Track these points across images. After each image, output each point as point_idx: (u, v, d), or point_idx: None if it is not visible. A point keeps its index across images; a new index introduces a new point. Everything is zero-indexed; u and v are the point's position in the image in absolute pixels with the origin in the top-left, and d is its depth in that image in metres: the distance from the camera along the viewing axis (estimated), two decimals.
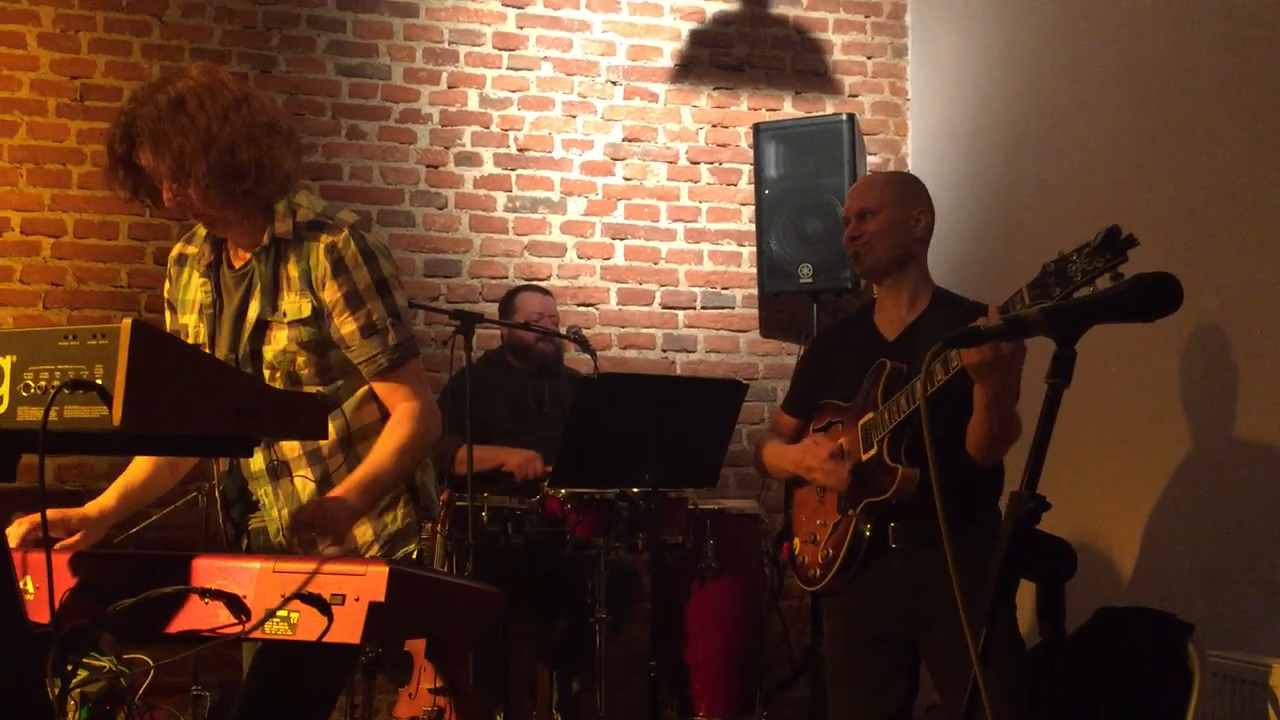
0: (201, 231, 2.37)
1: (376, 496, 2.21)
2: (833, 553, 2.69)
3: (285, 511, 2.26)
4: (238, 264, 2.31)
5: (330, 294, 2.22)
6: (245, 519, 2.36)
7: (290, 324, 2.24)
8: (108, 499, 2.29)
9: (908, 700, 2.73)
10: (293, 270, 2.24)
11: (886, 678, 2.69)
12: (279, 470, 2.27)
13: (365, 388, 2.28)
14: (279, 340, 2.24)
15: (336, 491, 2.15)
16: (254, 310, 2.26)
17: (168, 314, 2.43)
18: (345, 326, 2.23)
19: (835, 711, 2.80)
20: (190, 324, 2.35)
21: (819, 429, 2.81)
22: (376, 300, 2.24)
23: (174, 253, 2.43)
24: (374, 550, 2.28)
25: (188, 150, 2.11)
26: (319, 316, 2.23)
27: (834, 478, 2.68)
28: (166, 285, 2.43)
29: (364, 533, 2.27)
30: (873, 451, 2.61)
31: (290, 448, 2.26)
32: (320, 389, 2.24)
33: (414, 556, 2.36)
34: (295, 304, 2.24)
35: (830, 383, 2.81)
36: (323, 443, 2.23)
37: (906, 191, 2.81)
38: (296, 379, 2.26)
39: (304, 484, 2.26)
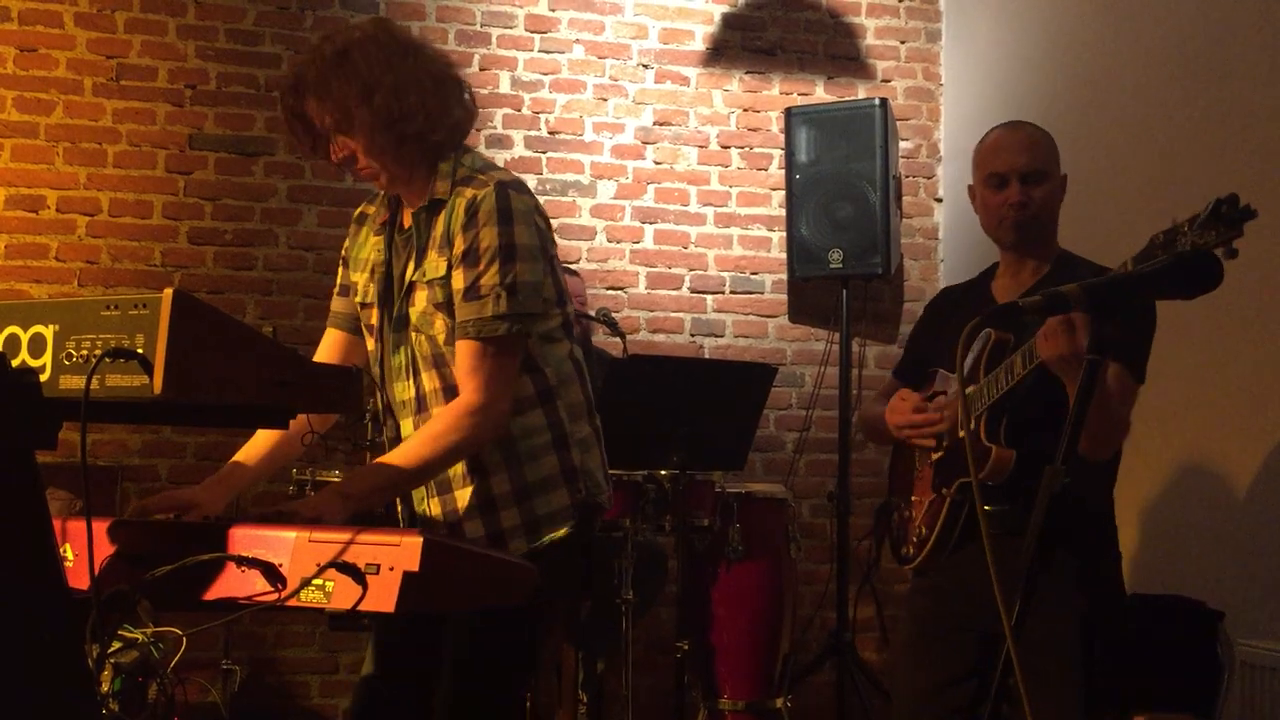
0: (381, 198, 2.33)
1: (388, 493, 2.13)
2: (926, 531, 2.52)
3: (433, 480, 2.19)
4: (407, 224, 2.26)
5: (457, 247, 2.12)
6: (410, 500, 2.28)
7: (428, 283, 2.16)
8: (220, 479, 2.24)
9: (975, 698, 2.49)
10: (439, 228, 2.16)
11: (958, 672, 2.49)
12: None
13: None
14: (420, 301, 2.18)
15: (337, 484, 2.09)
16: (409, 271, 2.20)
17: (340, 269, 2.39)
18: (457, 282, 2.12)
19: (899, 699, 2.67)
20: (360, 282, 2.31)
21: (928, 397, 2.62)
22: (494, 264, 2.09)
23: (356, 212, 2.40)
24: (519, 537, 2.17)
25: (351, 97, 2.08)
26: (451, 273, 2.14)
27: (924, 431, 2.50)
28: (346, 242, 2.39)
29: (510, 516, 2.17)
30: (970, 428, 2.39)
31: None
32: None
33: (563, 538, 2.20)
34: (435, 262, 2.16)
35: (941, 350, 2.60)
36: None
37: (1058, 152, 2.55)
38: (435, 343, 2.18)
39: None
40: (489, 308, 2.10)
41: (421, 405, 2.22)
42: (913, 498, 2.61)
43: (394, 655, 2.28)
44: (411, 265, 2.21)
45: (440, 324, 2.16)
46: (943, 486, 2.49)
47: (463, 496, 2.18)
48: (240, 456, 2.29)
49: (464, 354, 2.12)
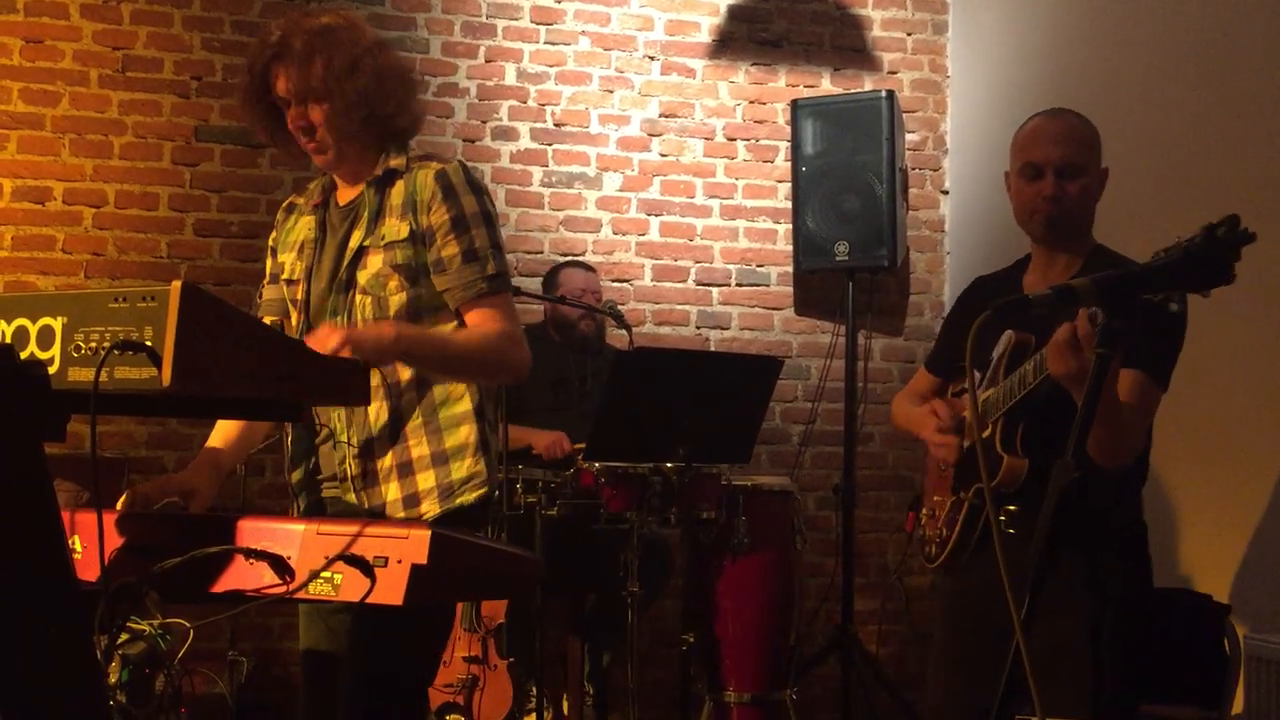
0: (314, 187, 2.42)
1: (427, 356, 2.19)
2: (946, 532, 2.49)
3: (356, 440, 2.25)
4: (344, 201, 2.35)
5: (437, 216, 2.23)
6: (317, 486, 2.34)
7: (386, 246, 2.24)
8: (206, 463, 2.27)
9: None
10: (397, 197, 2.27)
11: (986, 674, 2.45)
12: None
13: (450, 325, 2.26)
14: (373, 264, 2.25)
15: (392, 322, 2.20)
16: (356, 238, 2.28)
17: (268, 260, 2.46)
18: (448, 249, 2.23)
19: (931, 701, 2.65)
20: (288, 261, 2.38)
21: (955, 393, 2.59)
22: (481, 228, 2.25)
23: (285, 203, 2.49)
24: (432, 498, 2.24)
25: (335, 68, 2.19)
26: (415, 239, 2.23)
27: (943, 451, 2.49)
28: (272, 235, 2.47)
29: (426, 479, 2.24)
30: (988, 432, 2.35)
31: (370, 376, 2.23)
32: (405, 318, 2.23)
33: (472, 502, 2.26)
34: (394, 227, 2.25)
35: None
36: (402, 376, 2.23)
37: (1100, 144, 2.45)
38: (384, 304, 2.24)
39: (377, 413, 2.24)
40: (490, 266, 2.24)
41: None
42: (935, 498, 2.59)
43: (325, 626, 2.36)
44: (359, 232, 2.27)
45: (395, 284, 2.24)
46: (961, 490, 2.46)
47: (385, 457, 2.25)
48: (216, 441, 2.34)
49: (479, 316, 2.24)
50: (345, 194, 2.35)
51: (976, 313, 2.55)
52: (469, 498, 2.26)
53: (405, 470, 2.25)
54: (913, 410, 2.63)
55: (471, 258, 2.23)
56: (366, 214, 2.28)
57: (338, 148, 2.26)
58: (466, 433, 2.27)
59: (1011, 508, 2.33)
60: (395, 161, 2.29)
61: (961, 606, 2.54)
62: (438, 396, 2.26)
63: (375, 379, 2.21)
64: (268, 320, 2.43)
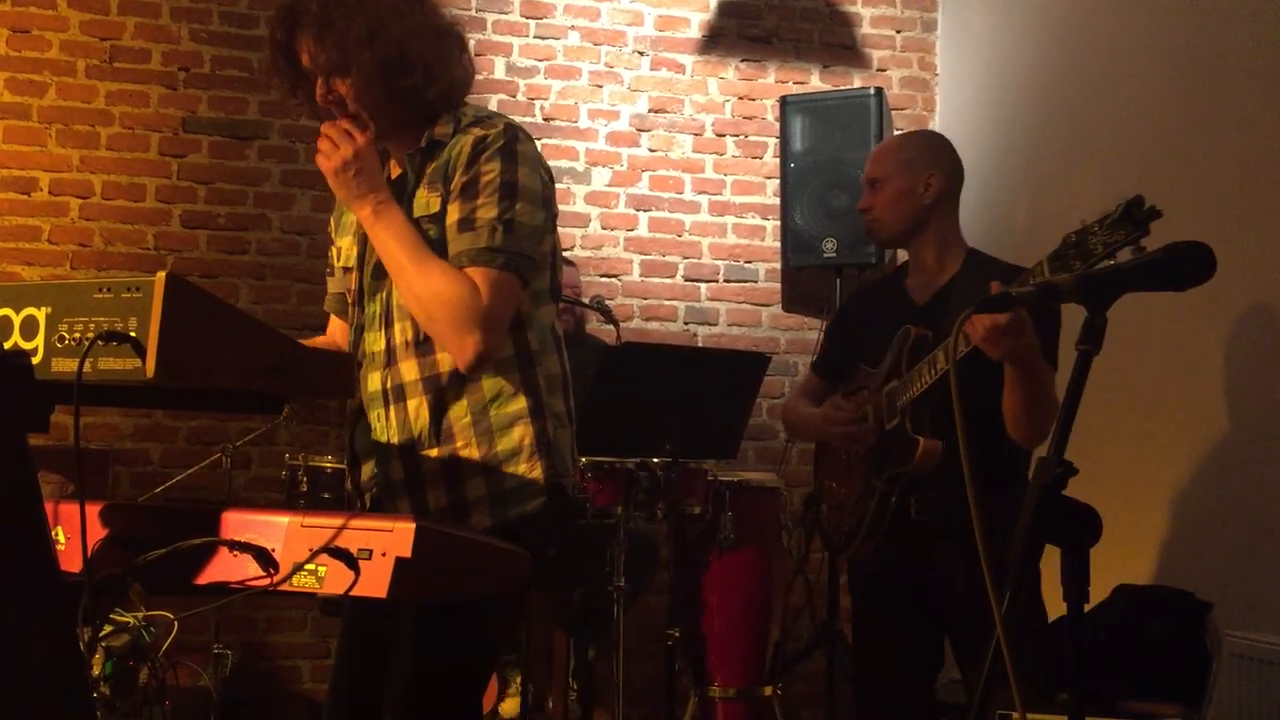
0: None
1: (398, 241, 1.97)
2: (857, 522, 2.62)
3: (397, 437, 2.06)
4: (394, 176, 2.13)
5: (455, 182, 2.00)
6: (371, 484, 2.13)
7: (415, 221, 2.02)
8: None
9: (931, 675, 2.68)
10: (433, 166, 2.04)
11: (910, 652, 2.63)
12: (395, 394, 2.07)
13: None
14: None
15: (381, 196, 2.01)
16: None
17: (331, 250, 2.27)
18: (451, 215, 1.99)
19: (860, 683, 2.79)
20: (345, 246, 2.19)
21: (848, 393, 2.74)
22: (492, 199, 1.97)
23: None
24: (483, 510, 2.02)
25: (352, 37, 1.98)
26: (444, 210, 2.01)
27: (856, 442, 2.63)
28: (332, 219, 2.29)
29: (475, 486, 2.02)
30: (896, 421, 2.51)
31: (408, 370, 2.05)
32: None
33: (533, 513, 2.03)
34: (424, 199, 2.03)
35: (860, 346, 2.72)
36: (442, 369, 2.02)
37: (916, 155, 2.69)
38: None
39: (417, 410, 2.04)
40: (483, 239, 1.96)
41: (391, 358, 2.07)
42: (841, 489, 2.71)
43: (359, 640, 2.17)
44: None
45: None
46: (873, 478, 2.58)
47: (428, 460, 2.04)
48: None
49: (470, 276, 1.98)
50: (395, 169, 2.15)
51: (863, 318, 2.77)
52: (526, 508, 2.02)
53: (453, 475, 2.02)
54: (810, 412, 2.79)
55: (466, 226, 1.97)
56: (406, 189, 2.07)
57: (374, 122, 2.05)
58: (521, 434, 2.03)
59: (914, 496, 2.52)
60: (441, 130, 2.06)
61: (880, 595, 2.67)
62: (488, 392, 2.02)
63: (413, 374, 2.03)
64: (334, 321, 2.26)
